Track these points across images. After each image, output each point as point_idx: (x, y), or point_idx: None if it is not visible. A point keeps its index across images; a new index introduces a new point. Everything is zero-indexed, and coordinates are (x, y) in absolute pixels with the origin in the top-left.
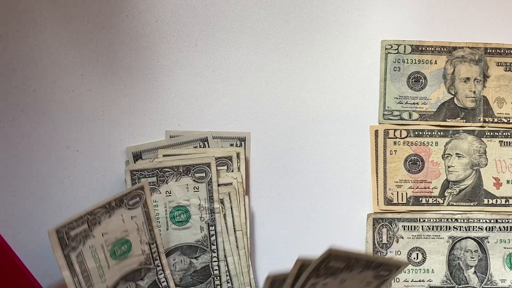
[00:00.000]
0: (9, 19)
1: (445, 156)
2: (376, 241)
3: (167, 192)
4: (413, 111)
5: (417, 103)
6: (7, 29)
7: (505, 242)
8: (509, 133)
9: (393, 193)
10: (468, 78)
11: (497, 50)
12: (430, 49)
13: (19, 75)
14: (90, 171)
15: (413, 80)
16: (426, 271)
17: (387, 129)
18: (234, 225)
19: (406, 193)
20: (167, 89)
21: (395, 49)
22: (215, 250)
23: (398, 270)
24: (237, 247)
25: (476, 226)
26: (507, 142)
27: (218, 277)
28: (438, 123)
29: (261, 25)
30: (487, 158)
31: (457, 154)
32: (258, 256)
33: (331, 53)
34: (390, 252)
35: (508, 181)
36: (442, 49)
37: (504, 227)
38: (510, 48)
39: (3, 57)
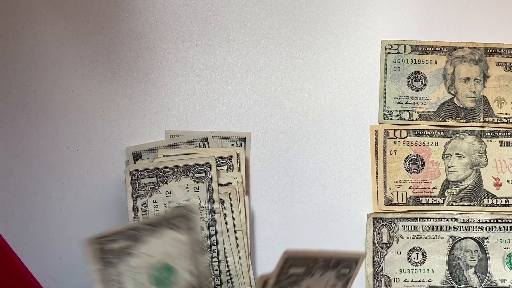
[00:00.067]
0: (9, 19)
1: (445, 156)
2: (376, 241)
3: (167, 193)
4: (413, 111)
5: (417, 103)
6: (7, 29)
7: (505, 242)
8: (509, 133)
9: (393, 193)
10: (468, 78)
11: (497, 50)
12: (430, 49)
13: (19, 75)
14: (90, 171)
15: (413, 80)
16: (426, 271)
17: (387, 129)
18: (234, 225)
19: (406, 193)
20: (167, 89)
21: (395, 49)
22: (215, 250)
23: (357, 264)
24: (237, 247)
25: (476, 226)
26: (507, 142)
27: (219, 277)
28: (438, 123)
29: (261, 25)
30: (487, 158)
31: (457, 154)
32: (258, 256)
33: (331, 53)
34: (390, 252)
35: (508, 181)
36: (442, 49)
37: (504, 227)
38: (510, 48)
39: (3, 57)
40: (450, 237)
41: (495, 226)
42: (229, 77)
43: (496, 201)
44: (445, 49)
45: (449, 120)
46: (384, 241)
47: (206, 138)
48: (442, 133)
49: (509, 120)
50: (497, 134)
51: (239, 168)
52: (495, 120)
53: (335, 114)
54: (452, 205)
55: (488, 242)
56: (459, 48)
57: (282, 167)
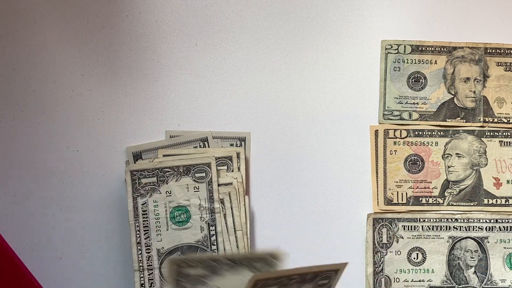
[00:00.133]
0: (9, 19)
1: (445, 156)
2: (376, 241)
3: (167, 192)
4: (413, 111)
5: (417, 103)
6: (7, 29)
7: (505, 242)
8: (509, 133)
9: (393, 193)
10: (468, 78)
11: (497, 50)
12: (430, 49)
13: (19, 75)
14: (90, 171)
15: (413, 80)
16: (426, 271)
17: (387, 129)
18: (234, 225)
19: (406, 193)
20: (167, 89)
21: (395, 49)
22: (216, 250)
23: (337, 274)
24: (237, 247)
25: (476, 226)
26: (507, 142)
27: None
28: (438, 123)
29: (261, 25)
30: (487, 158)
31: (457, 154)
32: None
33: (331, 53)
34: (390, 252)
35: (508, 181)
36: (442, 49)
37: (504, 227)
38: (510, 48)
39: (3, 57)
40: (450, 237)
41: (495, 226)
42: (229, 77)
43: (496, 201)
44: (445, 49)
45: (449, 120)
46: (384, 241)
47: (206, 138)
48: (442, 133)
49: (509, 120)
50: (497, 134)
51: (239, 168)
52: (495, 120)
53: (335, 114)
54: (452, 205)
55: (488, 242)
56: (459, 48)
57: (282, 167)
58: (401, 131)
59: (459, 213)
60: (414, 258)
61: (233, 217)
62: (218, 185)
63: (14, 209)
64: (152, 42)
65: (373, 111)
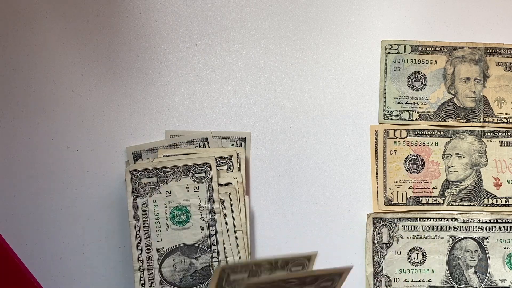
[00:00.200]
0: (9, 19)
1: (445, 156)
2: (376, 241)
3: (167, 192)
4: (413, 111)
5: (417, 103)
6: (7, 29)
7: (505, 242)
8: (509, 133)
9: (393, 193)
10: (468, 78)
11: (497, 50)
12: (430, 49)
13: (19, 75)
14: (90, 171)
15: (413, 80)
16: (426, 271)
17: (387, 129)
18: (234, 225)
19: (406, 193)
20: (167, 89)
21: (395, 49)
22: (216, 250)
23: (341, 277)
24: (237, 247)
25: (476, 226)
26: (507, 142)
27: None
28: (438, 123)
29: (261, 25)
30: (487, 158)
31: (457, 154)
32: (258, 256)
33: (331, 53)
34: (390, 252)
35: (508, 181)
36: (442, 49)
37: (504, 227)
38: (510, 48)
39: (3, 57)
40: (450, 237)
41: (495, 226)
42: (229, 77)
43: (496, 201)
44: (445, 49)
45: (449, 120)
46: (384, 241)
47: (206, 138)
48: (442, 133)
49: (509, 120)
50: (497, 134)
51: (239, 168)
52: (495, 120)
53: (335, 114)
54: (452, 205)
55: (488, 242)
56: (459, 48)
57: (282, 167)
58: (401, 131)
59: (459, 213)
60: (414, 258)
61: (233, 217)
62: (218, 185)
63: (14, 209)
64: (152, 42)
65: (373, 111)
